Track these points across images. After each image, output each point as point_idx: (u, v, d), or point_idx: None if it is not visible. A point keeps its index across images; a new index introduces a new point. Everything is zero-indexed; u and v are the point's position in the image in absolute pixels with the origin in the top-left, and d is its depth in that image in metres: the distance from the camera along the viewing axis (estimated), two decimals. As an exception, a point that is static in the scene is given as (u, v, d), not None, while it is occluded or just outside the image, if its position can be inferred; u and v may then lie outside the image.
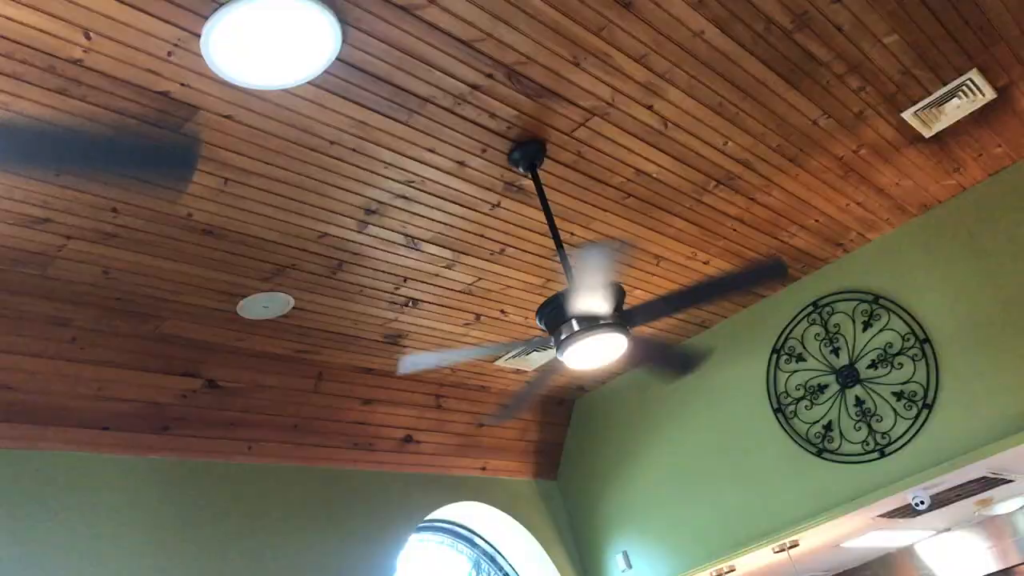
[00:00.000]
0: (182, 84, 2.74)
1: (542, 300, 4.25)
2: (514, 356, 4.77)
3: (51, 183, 2.89)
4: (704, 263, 4.57)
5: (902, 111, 3.86)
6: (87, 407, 3.65)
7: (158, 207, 3.14)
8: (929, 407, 4.53)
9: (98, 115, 2.74)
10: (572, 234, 4.05)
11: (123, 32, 2.50)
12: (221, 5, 2.52)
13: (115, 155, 2.24)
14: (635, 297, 4.61)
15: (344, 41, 2.75)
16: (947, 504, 5.17)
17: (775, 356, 5.05)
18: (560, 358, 3.11)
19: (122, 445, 3.79)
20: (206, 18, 2.54)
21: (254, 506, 4.10)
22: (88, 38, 2.49)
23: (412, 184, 3.41)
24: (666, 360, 3.68)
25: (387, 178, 3.34)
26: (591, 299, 2.89)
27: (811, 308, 4.97)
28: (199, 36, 2.60)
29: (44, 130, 2.63)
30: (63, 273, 3.27)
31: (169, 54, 2.62)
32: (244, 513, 4.06)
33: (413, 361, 3.27)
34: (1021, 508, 6.15)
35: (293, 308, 3.86)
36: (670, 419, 5.41)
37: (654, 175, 3.80)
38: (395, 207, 3.50)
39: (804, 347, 4.96)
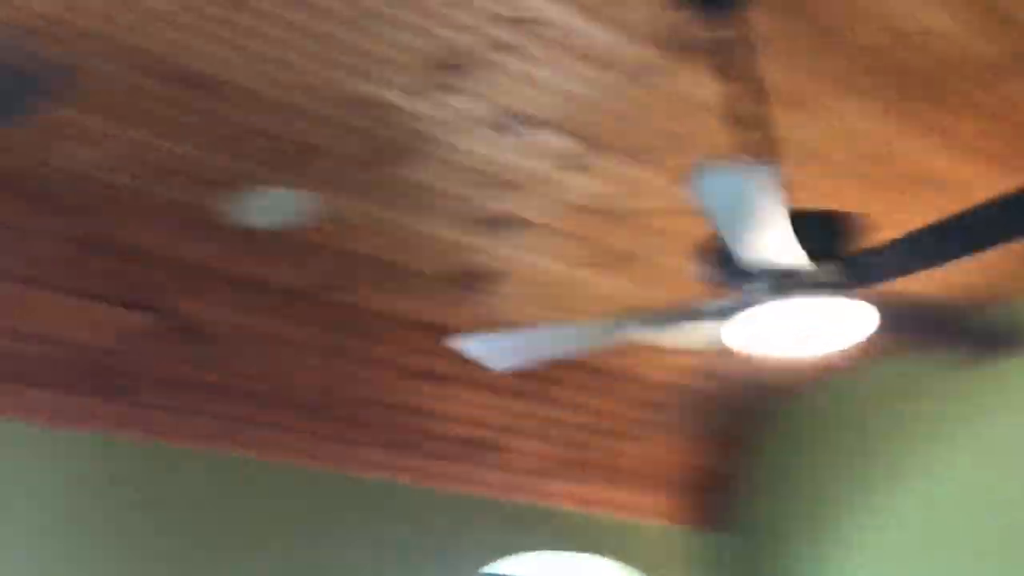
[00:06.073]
0: None
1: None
2: (658, 327, 3.93)
3: None
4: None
5: None
6: None
7: None
8: None
9: None
10: (800, 127, 3.03)
11: None
12: None
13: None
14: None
15: None
16: None
17: None
18: (725, 342, 2.37)
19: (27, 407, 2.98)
20: None
21: (225, 515, 3.31)
22: None
23: (521, 27, 2.59)
24: (955, 337, 2.71)
25: (480, 17, 2.58)
26: (770, 234, 2.06)
27: None
28: None
29: None
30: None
31: None
32: (211, 522, 3.26)
33: (487, 347, 2.46)
34: None
35: (317, 215, 3.14)
36: (965, 442, 3.85)
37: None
38: (490, 62, 2.69)
39: None
